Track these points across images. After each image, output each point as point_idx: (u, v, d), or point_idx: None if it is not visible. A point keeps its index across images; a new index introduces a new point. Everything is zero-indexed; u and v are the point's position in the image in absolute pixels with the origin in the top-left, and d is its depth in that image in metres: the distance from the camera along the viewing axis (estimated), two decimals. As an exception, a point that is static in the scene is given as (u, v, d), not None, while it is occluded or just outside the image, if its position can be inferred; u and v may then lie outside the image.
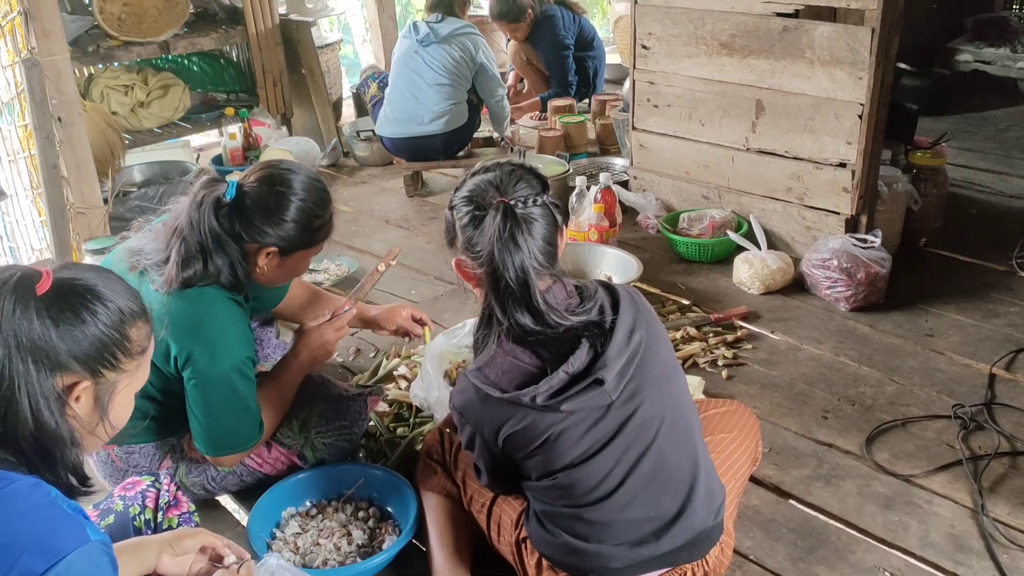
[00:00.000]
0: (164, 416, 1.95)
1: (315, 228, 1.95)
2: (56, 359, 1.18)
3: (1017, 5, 5.77)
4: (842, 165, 3.06)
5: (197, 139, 5.11)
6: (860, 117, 2.95)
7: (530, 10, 5.02)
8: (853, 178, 3.04)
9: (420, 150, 4.18)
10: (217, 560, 1.49)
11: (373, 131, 4.46)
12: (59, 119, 2.81)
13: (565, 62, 5.08)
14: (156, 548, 1.45)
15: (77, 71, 4.17)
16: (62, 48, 2.82)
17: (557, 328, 1.54)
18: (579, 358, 1.53)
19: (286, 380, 2.09)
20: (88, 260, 2.90)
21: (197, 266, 1.84)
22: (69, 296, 1.21)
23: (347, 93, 5.55)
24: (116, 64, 4.22)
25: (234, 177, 1.97)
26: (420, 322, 2.47)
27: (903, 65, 4.96)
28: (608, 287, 1.65)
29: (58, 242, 2.69)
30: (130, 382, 1.29)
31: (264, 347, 2.54)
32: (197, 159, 4.79)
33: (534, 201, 1.57)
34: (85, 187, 2.99)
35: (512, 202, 1.55)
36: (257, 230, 1.88)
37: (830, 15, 2.99)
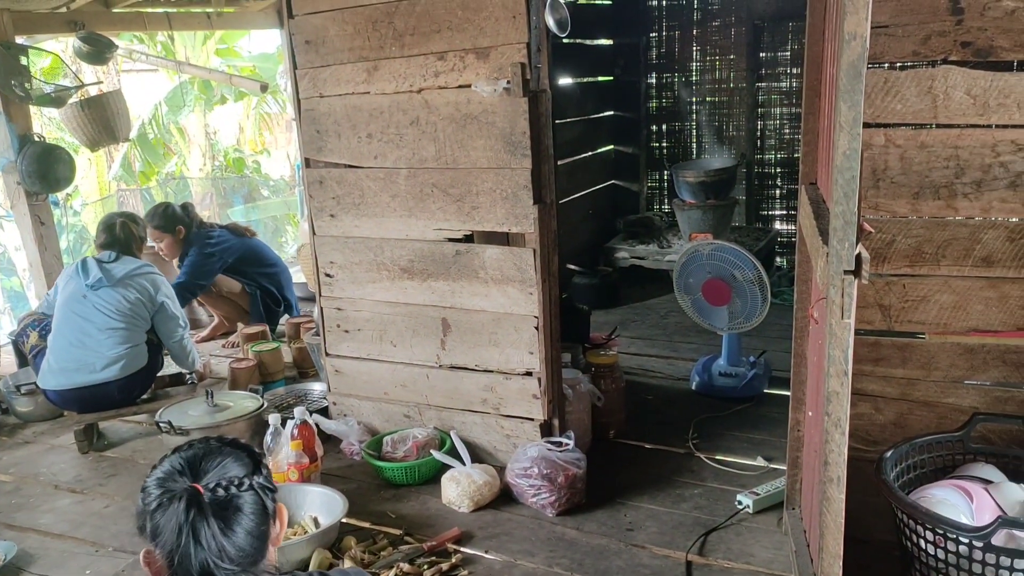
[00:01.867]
0: None
1: None
2: None
3: (657, 206, 6.70)
4: (529, 373, 3.21)
5: None
6: (537, 328, 3.15)
7: (181, 227, 4.94)
8: (540, 385, 3.19)
9: (94, 400, 3.78)
10: None
11: (35, 383, 3.98)
12: None
13: (204, 262, 4.95)
14: None
15: None
16: None
17: None
18: None
19: None
20: None
21: None
22: None
23: (4, 340, 4.97)
24: None
25: None
26: None
27: (572, 266, 5.48)
28: None
29: None
30: None
31: None
32: None
33: (238, 486, 1.38)
34: None
35: (205, 488, 1.36)
36: None
37: (502, 238, 3.22)
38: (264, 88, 6.28)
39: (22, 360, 4.51)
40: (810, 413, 2.42)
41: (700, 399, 3.94)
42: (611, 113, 6.63)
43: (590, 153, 6.35)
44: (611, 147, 6.71)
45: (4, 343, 4.97)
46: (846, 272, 1.60)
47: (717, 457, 3.34)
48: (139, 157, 9.26)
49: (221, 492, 1.36)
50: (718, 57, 6.34)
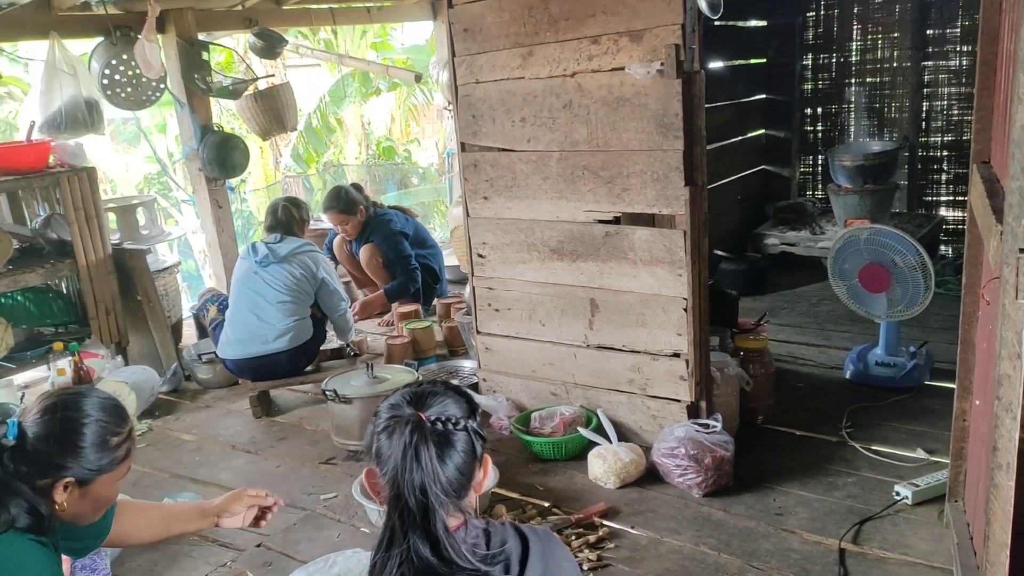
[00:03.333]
0: None
1: (114, 447, 1.84)
2: None
3: (810, 191, 6.49)
4: (676, 355, 3.23)
5: (22, 376, 4.79)
6: (685, 310, 3.15)
7: (362, 207, 5.19)
8: (688, 366, 3.20)
9: (265, 369, 4.09)
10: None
11: (215, 353, 4.34)
12: None
13: (402, 247, 5.21)
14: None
15: None
16: None
17: (456, 570, 1.43)
18: None
19: None
20: None
21: None
22: None
23: (187, 314, 5.42)
24: (-71, 307, 3.97)
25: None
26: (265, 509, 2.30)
27: (720, 252, 5.41)
28: (520, 534, 1.56)
29: None
30: None
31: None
32: (22, 399, 4.46)
33: (455, 424, 1.50)
34: None
35: (428, 418, 1.49)
36: (47, 464, 1.75)
37: (649, 220, 3.25)
38: (418, 78, 6.51)
39: (202, 332, 4.92)
40: (977, 402, 2.32)
41: (854, 388, 3.82)
42: (763, 96, 6.47)
43: (740, 138, 6.22)
44: (762, 131, 6.55)
45: (187, 317, 5.41)
46: (1021, 250, 1.54)
47: (873, 447, 3.24)
48: (305, 146, 9.81)
49: (440, 425, 1.48)
50: (880, 35, 6.06)
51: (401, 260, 5.18)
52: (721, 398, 3.30)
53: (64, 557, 1.99)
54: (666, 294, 3.19)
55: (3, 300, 4.41)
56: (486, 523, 1.56)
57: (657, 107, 3.03)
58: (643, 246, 3.21)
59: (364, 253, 5.22)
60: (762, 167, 6.55)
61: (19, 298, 4.48)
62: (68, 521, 1.86)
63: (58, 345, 4.26)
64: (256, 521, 2.26)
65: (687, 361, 3.20)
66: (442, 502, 1.45)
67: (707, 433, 3.02)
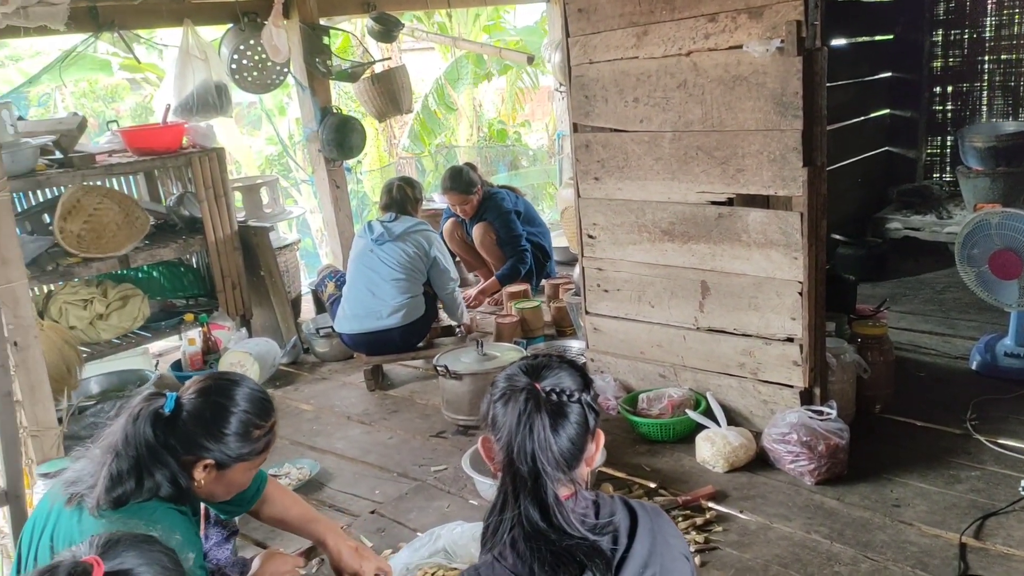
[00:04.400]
0: None
1: (255, 439, 1.93)
2: None
3: (937, 174, 6.19)
4: (790, 340, 3.16)
5: (156, 345, 5.11)
6: (800, 294, 3.08)
7: (479, 185, 5.26)
8: (802, 352, 3.13)
9: (379, 344, 4.23)
10: None
11: (332, 328, 4.52)
12: (15, 343, 2.82)
13: (514, 225, 5.25)
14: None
15: (37, 289, 4.22)
16: (20, 274, 2.87)
17: (565, 536, 1.46)
18: None
19: None
20: (40, 484, 2.82)
21: (128, 484, 1.80)
22: None
23: (306, 290, 5.65)
24: (76, 280, 4.28)
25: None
26: None
27: (837, 236, 5.23)
28: (629, 508, 1.58)
29: (8, 469, 2.63)
30: None
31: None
32: (156, 366, 4.77)
33: (569, 396, 1.54)
34: (39, 409, 2.95)
35: (543, 389, 1.53)
36: (194, 443, 1.86)
37: (763, 202, 3.18)
38: (531, 60, 6.54)
39: (320, 307, 5.12)
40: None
41: (980, 380, 3.64)
42: (888, 75, 6.18)
43: (862, 118, 5.97)
44: (886, 111, 6.26)
45: (305, 292, 5.64)
46: None
47: (1000, 441, 3.09)
48: (421, 127, 10.00)
49: (554, 396, 1.52)
50: (1017, 10, 5.69)
51: (512, 239, 5.23)
52: (836, 385, 3.21)
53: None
54: (781, 277, 3.13)
55: (140, 273, 4.71)
56: (596, 495, 1.58)
57: (776, 86, 2.96)
58: (757, 228, 3.15)
59: (477, 231, 5.30)
60: (885, 148, 6.27)
61: (154, 272, 4.78)
62: (202, 497, 1.98)
63: (189, 316, 4.53)
64: None
65: (801, 346, 3.13)
66: (553, 471, 1.48)
67: (821, 420, 2.95)
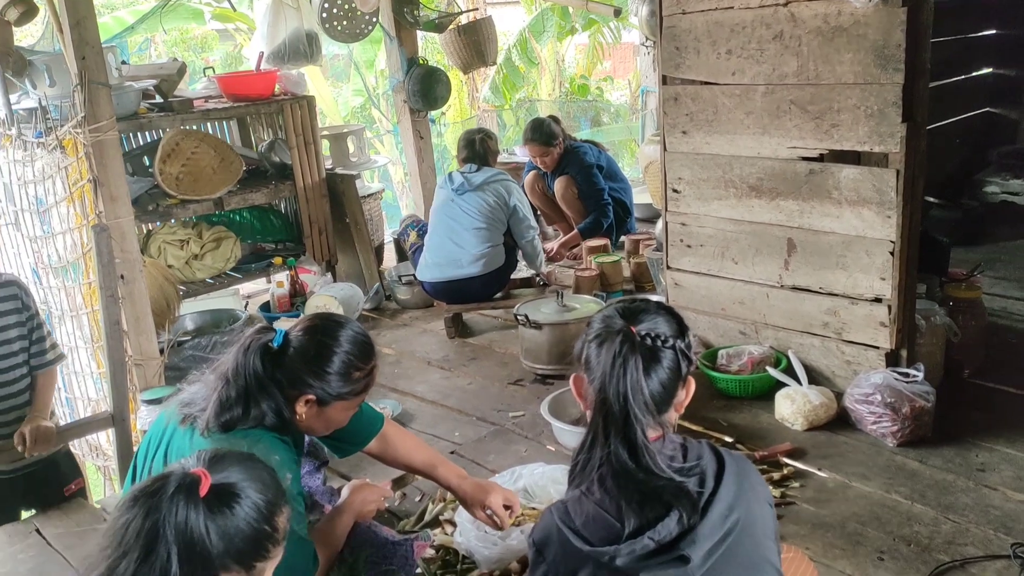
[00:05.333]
0: None
1: (355, 380, 1.99)
2: (217, 561, 1.26)
3: (1040, 137, 5.91)
4: (878, 300, 3.10)
5: (246, 287, 5.30)
6: (892, 254, 3.02)
7: (560, 138, 5.25)
8: (890, 313, 3.07)
9: (460, 292, 4.31)
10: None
11: (414, 275, 4.61)
12: (122, 277, 2.97)
13: (596, 179, 5.24)
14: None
15: (138, 228, 4.42)
16: (127, 211, 3.02)
17: (652, 477, 1.48)
18: (667, 527, 1.46)
19: (335, 525, 2.14)
20: (143, 410, 3.00)
21: (236, 410, 1.89)
22: (224, 498, 1.29)
23: (388, 239, 5.76)
24: (173, 221, 4.46)
25: (282, 324, 2.06)
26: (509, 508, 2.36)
27: (931, 198, 5.06)
28: (716, 452, 1.59)
29: (116, 394, 2.80)
30: (274, 565, 1.37)
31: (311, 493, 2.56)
32: (245, 306, 4.96)
33: (663, 341, 1.55)
34: (143, 339, 3.12)
35: (638, 332, 1.55)
36: (298, 378, 1.93)
37: (854, 158, 3.11)
38: (617, 12, 6.45)
39: (401, 255, 5.23)
40: None
41: (1078, 350, 3.53)
42: (993, 32, 5.90)
43: (963, 76, 5.73)
44: (989, 70, 5.99)
45: (388, 241, 5.76)
46: None
47: (1095, 412, 3.00)
48: (503, 81, 9.98)
49: (649, 341, 1.54)
50: None
51: (595, 193, 5.22)
52: (924, 348, 3.15)
53: None
54: (871, 236, 3.06)
55: (233, 216, 4.88)
56: (683, 439, 1.60)
57: (877, 37, 2.87)
58: (850, 185, 3.08)
59: (559, 185, 5.30)
60: (987, 109, 6.01)
61: (246, 215, 4.94)
62: (302, 431, 2.08)
63: (278, 260, 4.68)
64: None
65: (889, 307, 3.07)
66: (642, 414, 1.49)
67: (907, 382, 2.90)
